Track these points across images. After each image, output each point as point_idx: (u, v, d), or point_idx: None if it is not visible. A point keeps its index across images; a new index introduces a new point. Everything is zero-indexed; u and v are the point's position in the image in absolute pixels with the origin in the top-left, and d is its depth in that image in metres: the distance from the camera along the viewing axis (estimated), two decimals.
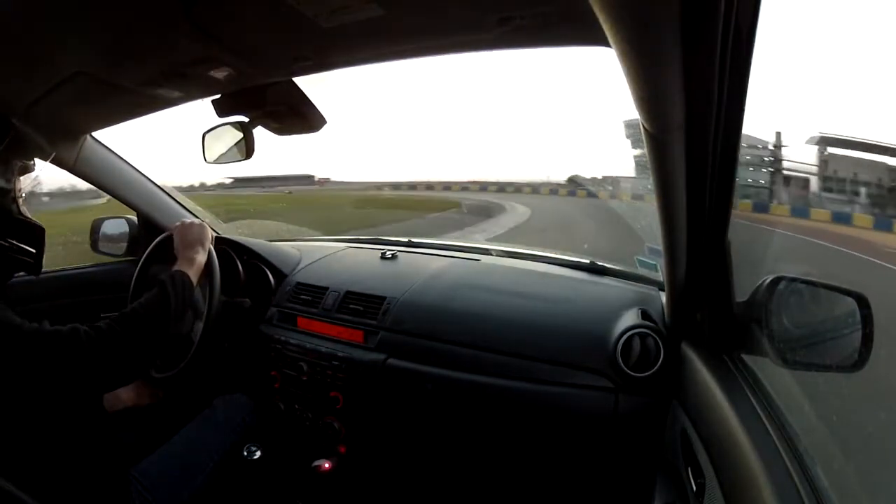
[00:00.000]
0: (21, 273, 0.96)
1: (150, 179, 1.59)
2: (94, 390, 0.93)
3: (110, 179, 1.48)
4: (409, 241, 1.70)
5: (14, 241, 0.90)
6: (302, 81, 1.01)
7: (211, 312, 1.23)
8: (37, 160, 1.04)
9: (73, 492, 0.87)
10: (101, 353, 0.86)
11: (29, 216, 0.95)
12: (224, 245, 1.47)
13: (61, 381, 0.84)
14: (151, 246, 1.40)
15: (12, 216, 0.90)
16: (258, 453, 1.29)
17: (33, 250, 0.93)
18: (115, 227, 1.63)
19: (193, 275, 1.09)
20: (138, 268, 1.39)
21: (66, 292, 1.51)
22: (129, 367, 0.93)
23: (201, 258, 1.14)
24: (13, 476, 0.72)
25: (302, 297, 1.43)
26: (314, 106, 1.05)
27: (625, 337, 1.04)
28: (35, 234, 0.94)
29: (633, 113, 0.58)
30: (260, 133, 1.09)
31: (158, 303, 0.98)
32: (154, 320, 0.95)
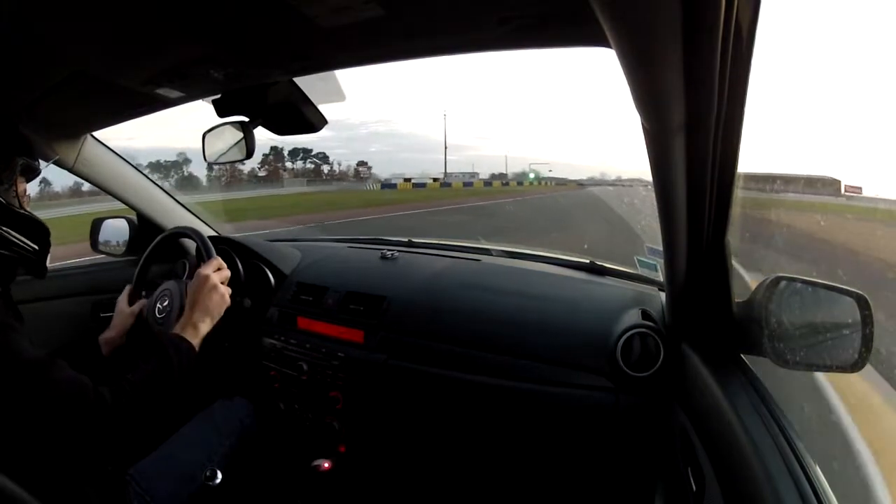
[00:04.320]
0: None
1: (150, 179, 1.60)
2: (86, 458, 0.84)
3: (110, 179, 1.48)
4: (410, 240, 1.70)
5: (14, 233, 0.89)
6: (302, 81, 1.01)
7: None
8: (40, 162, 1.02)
9: (70, 491, 0.86)
10: (103, 426, 0.80)
11: (34, 214, 0.94)
12: (224, 245, 1.47)
13: (52, 436, 0.78)
14: (151, 245, 1.40)
15: (13, 210, 0.90)
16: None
17: (35, 246, 0.93)
18: (115, 226, 1.63)
19: (198, 344, 1.01)
20: (138, 268, 1.39)
21: (67, 292, 1.51)
22: (130, 441, 0.85)
23: (206, 329, 1.05)
24: (11, 473, 0.72)
25: (302, 297, 1.43)
26: (314, 105, 1.06)
27: (625, 337, 1.04)
28: (39, 232, 0.94)
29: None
30: None
31: (163, 375, 0.91)
32: (158, 394, 0.89)
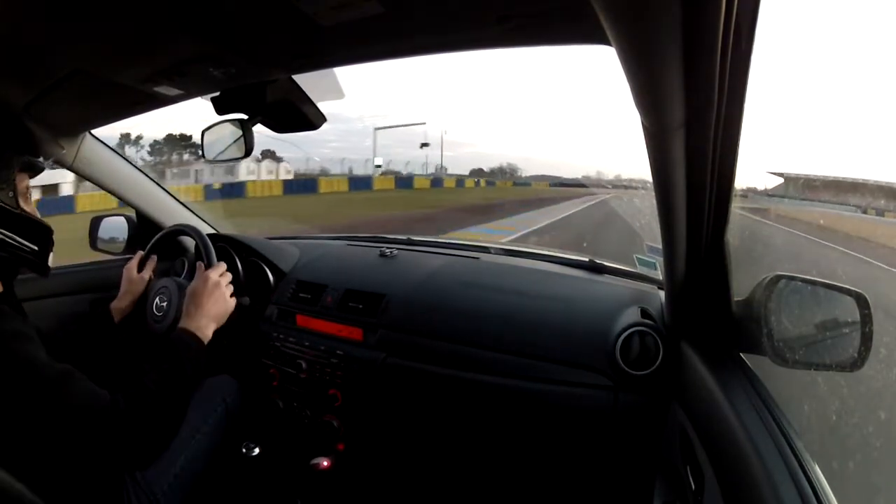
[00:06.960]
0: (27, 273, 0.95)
1: (149, 177, 1.59)
2: (102, 466, 0.83)
3: (109, 177, 1.48)
4: (409, 238, 1.70)
5: (11, 235, 0.89)
6: (301, 79, 1.01)
7: None
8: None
9: (65, 477, 0.86)
10: (119, 434, 0.79)
11: (35, 214, 0.94)
12: (223, 243, 1.47)
13: (66, 446, 0.77)
14: (151, 243, 1.40)
15: (10, 211, 0.89)
16: (256, 450, 1.29)
17: (35, 247, 0.93)
18: (114, 225, 1.63)
19: (205, 341, 1.00)
20: (151, 242, 1.40)
21: (65, 289, 1.51)
22: (146, 446, 0.83)
23: (210, 332, 1.02)
24: (7, 465, 0.72)
25: (301, 294, 1.42)
26: (313, 103, 1.05)
27: (624, 335, 1.04)
28: (40, 232, 0.93)
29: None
30: None
31: (176, 376, 0.90)
32: (171, 396, 0.87)
